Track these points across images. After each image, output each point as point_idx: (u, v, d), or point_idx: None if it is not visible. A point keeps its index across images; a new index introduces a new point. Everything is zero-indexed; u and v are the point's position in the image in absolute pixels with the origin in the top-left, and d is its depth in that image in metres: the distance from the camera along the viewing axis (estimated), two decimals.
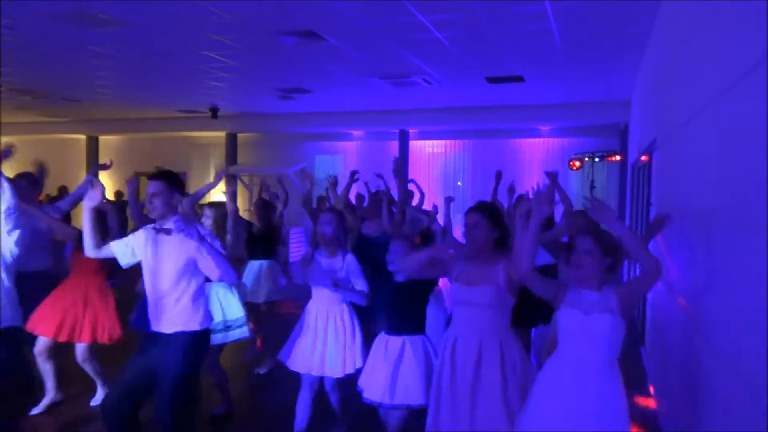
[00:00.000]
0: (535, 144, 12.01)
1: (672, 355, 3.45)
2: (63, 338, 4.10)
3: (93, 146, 14.68)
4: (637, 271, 4.21)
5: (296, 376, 3.66)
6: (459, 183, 12.55)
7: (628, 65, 7.17)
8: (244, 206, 13.62)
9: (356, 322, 3.64)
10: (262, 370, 5.22)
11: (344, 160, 13.40)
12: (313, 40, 6.13)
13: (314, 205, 10.43)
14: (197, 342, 3.08)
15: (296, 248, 10.94)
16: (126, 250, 3.11)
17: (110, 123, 13.74)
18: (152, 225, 3.08)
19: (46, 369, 4.21)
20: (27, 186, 4.38)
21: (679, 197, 3.43)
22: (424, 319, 3.39)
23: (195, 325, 3.06)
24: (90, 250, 3.10)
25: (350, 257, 3.62)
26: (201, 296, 3.11)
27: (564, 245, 3.50)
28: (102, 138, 14.76)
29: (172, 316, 3.02)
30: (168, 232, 2.95)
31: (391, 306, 3.34)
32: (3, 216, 3.07)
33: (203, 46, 6.52)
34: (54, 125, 14.17)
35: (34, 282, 4.11)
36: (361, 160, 13.23)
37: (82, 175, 14.29)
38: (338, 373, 3.51)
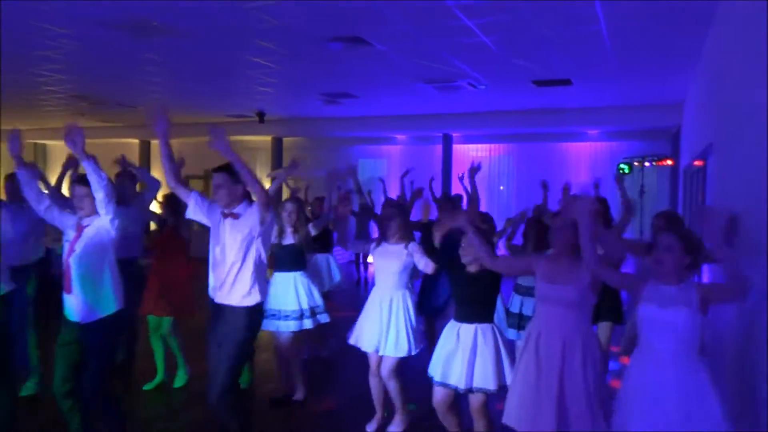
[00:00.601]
0: (582, 148, 11.76)
1: (727, 362, 3.34)
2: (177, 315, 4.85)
3: (145, 150, 15.18)
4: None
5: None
6: (501, 187, 12.41)
7: (681, 67, 6.95)
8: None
9: (414, 308, 4.07)
10: (324, 353, 5.84)
11: (388, 163, 13.44)
12: (360, 46, 6.18)
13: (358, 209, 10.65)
14: (256, 314, 3.35)
15: (339, 250, 11.03)
16: (199, 207, 3.42)
17: None
18: (221, 210, 3.36)
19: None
20: (128, 181, 5.10)
21: (736, 202, 3.31)
22: (495, 307, 3.60)
23: (253, 300, 3.30)
24: (171, 180, 3.40)
25: (413, 244, 4.06)
26: (261, 273, 3.35)
27: (645, 245, 3.79)
28: (154, 142, 15.24)
29: (235, 290, 3.28)
30: (236, 216, 3.28)
31: (465, 296, 3.52)
32: (103, 205, 3.30)
33: (251, 53, 6.67)
34: (108, 130, 14.72)
35: (125, 268, 4.35)
36: (405, 163, 13.23)
37: None
38: (402, 353, 3.90)
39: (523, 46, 6.17)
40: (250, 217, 3.28)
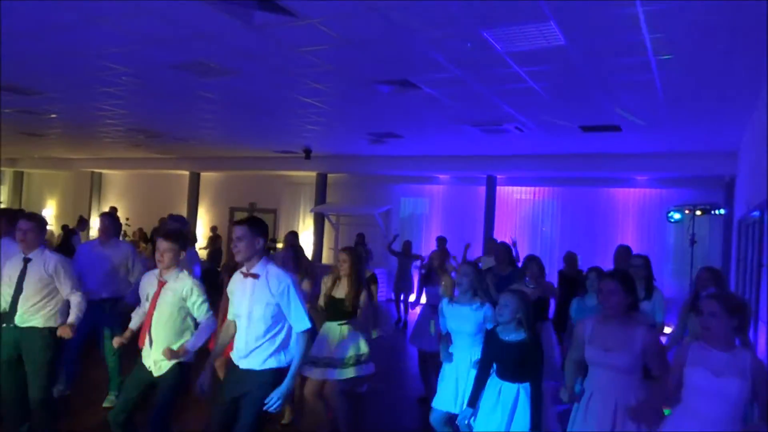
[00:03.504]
0: (630, 194, 11.50)
1: None
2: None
3: (194, 181, 15.65)
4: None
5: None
6: (544, 228, 12.22)
7: (736, 116, 6.79)
8: (329, 244, 13.94)
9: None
10: (362, 389, 5.94)
11: (430, 203, 13.46)
12: (408, 89, 6.28)
13: (399, 249, 10.64)
14: (280, 378, 3.20)
15: (379, 289, 11.00)
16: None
17: (211, 160, 14.64)
18: (240, 269, 3.31)
19: None
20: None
21: None
22: (541, 367, 3.56)
23: (278, 362, 3.20)
24: None
25: (488, 306, 4.05)
26: (287, 335, 3.25)
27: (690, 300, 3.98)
28: (203, 174, 15.73)
29: (259, 353, 3.18)
30: (255, 276, 3.18)
31: (507, 357, 3.50)
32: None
33: (302, 93, 6.85)
34: (161, 161, 15.28)
35: None
36: (447, 204, 13.24)
37: (184, 208, 15.26)
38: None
39: (573, 93, 6.14)
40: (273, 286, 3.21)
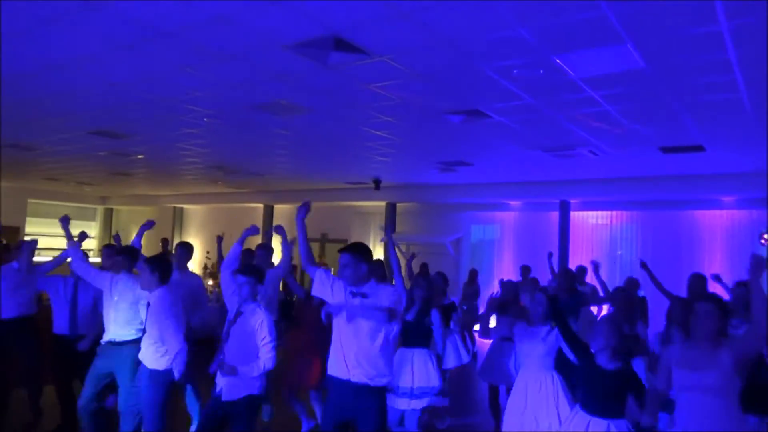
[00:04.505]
0: (716, 216, 10.83)
1: None
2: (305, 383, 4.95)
3: (268, 213, 16.14)
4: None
5: None
6: (619, 252, 11.70)
7: None
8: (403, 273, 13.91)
9: (566, 389, 4.00)
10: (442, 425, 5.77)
11: (501, 229, 13.21)
12: (478, 118, 6.26)
13: (466, 279, 10.45)
14: (381, 395, 3.32)
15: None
16: (326, 286, 3.47)
17: (284, 193, 15.08)
18: (350, 289, 3.42)
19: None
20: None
21: None
22: (626, 401, 3.38)
23: (379, 380, 3.29)
24: (305, 261, 3.60)
25: (556, 331, 4.03)
26: (388, 352, 3.35)
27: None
28: (276, 207, 16.21)
29: (362, 368, 3.28)
30: (364, 295, 3.32)
31: (597, 388, 3.34)
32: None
33: (372, 126, 6.97)
34: (237, 195, 15.91)
35: None
36: (519, 230, 12.95)
37: (259, 239, 15.73)
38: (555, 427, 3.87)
39: (652, 114, 5.92)
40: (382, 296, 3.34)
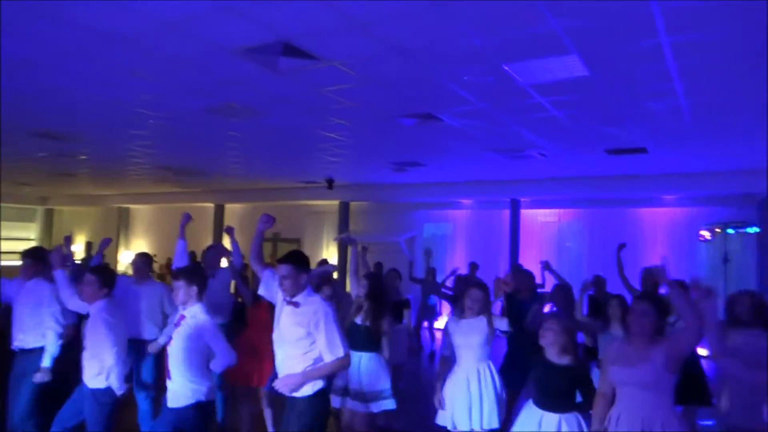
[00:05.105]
0: (658, 213, 11.29)
1: None
2: (254, 384, 4.81)
3: (219, 214, 15.82)
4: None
5: None
6: (568, 244, 12.05)
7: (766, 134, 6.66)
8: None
9: (500, 379, 4.07)
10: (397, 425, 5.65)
11: (453, 228, 13.39)
12: (431, 121, 6.30)
13: (423, 276, 10.56)
14: (317, 404, 3.27)
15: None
16: (271, 287, 3.50)
17: (235, 193, 14.81)
18: (285, 298, 3.37)
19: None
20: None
21: None
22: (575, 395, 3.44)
23: (311, 389, 3.24)
24: (254, 261, 3.67)
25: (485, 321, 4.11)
26: (320, 362, 3.29)
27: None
28: (228, 206, 15.91)
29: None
30: (296, 305, 3.30)
31: (548, 384, 3.38)
32: None
33: (325, 128, 6.92)
34: (186, 195, 15.51)
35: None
36: (471, 228, 13.16)
37: (209, 239, 15.41)
38: (495, 425, 3.92)
39: (597, 119, 6.10)
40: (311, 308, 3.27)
